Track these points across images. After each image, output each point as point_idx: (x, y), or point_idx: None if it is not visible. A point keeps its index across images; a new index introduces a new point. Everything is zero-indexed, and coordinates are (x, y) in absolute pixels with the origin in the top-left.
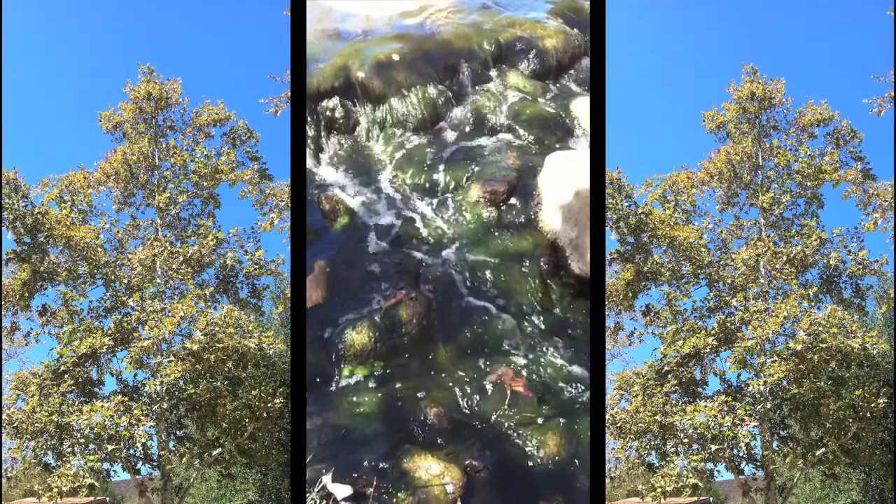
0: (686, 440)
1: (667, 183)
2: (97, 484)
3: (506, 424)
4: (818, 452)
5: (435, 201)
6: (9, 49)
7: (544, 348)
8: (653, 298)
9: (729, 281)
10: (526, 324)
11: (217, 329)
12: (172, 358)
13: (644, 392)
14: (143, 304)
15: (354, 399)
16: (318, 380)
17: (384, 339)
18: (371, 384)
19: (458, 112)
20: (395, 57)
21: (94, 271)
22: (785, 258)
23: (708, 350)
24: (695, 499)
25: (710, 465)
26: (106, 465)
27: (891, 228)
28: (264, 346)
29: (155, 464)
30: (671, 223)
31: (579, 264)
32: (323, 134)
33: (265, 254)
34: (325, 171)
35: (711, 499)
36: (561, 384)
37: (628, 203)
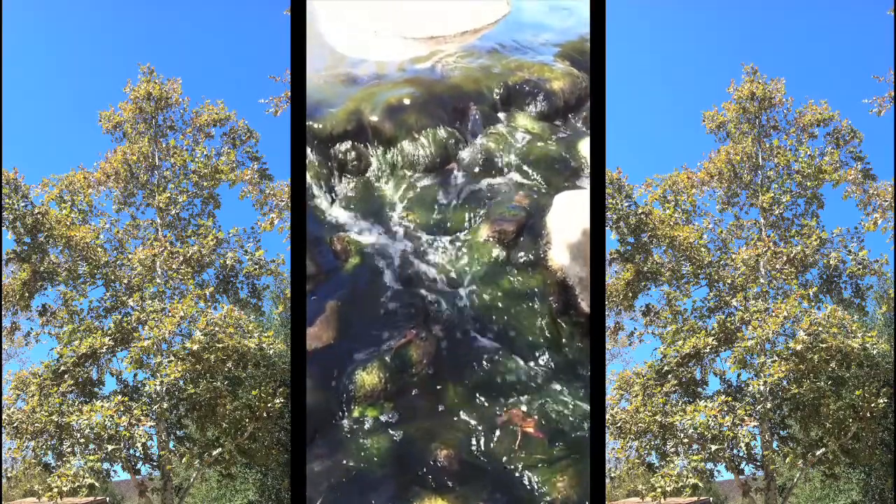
0: (686, 440)
1: (667, 183)
2: (97, 484)
3: (516, 466)
4: (818, 452)
5: (445, 241)
6: (9, 49)
7: (555, 388)
8: (653, 298)
9: (729, 281)
10: (536, 363)
11: (217, 329)
12: (172, 358)
13: (644, 392)
14: (143, 304)
15: (364, 441)
16: (327, 421)
17: (394, 380)
18: (381, 425)
19: (467, 153)
20: (406, 101)
21: (94, 271)
22: (785, 258)
23: (708, 350)
24: (695, 499)
25: (710, 465)
26: (106, 465)
27: (891, 228)
28: (264, 346)
29: (155, 464)
30: (671, 223)
31: (588, 303)
32: (335, 176)
33: (265, 254)
34: (337, 212)
35: (711, 499)
36: (571, 424)
37: (628, 203)
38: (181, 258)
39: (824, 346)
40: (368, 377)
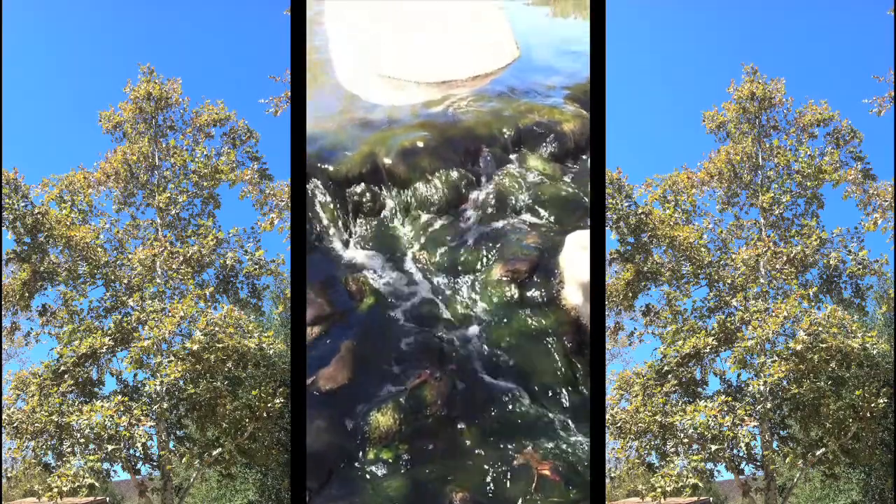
0: (686, 440)
1: (667, 183)
2: (97, 484)
3: None
4: (818, 452)
5: (458, 281)
6: (9, 49)
7: (570, 429)
8: (653, 298)
9: (729, 281)
10: (550, 403)
11: (217, 329)
12: (172, 358)
13: (644, 392)
14: (143, 304)
15: (380, 483)
16: (342, 463)
17: (409, 421)
18: (396, 467)
19: (480, 194)
20: (420, 144)
21: (94, 271)
22: (785, 258)
23: (708, 350)
24: (695, 499)
25: (710, 465)
26: (106, 465)
27: (891, 228)
28: (264, 346)
29: (155, 464)
30: (671, 223)
31: None
32: (350, 217)
33: (265, 254)
34: (353, 252)
35: (711, 499)
36: (588, 466)
37: (628, 203)
38: (181, 258)
39: (824, 346)
40: (383, 418)
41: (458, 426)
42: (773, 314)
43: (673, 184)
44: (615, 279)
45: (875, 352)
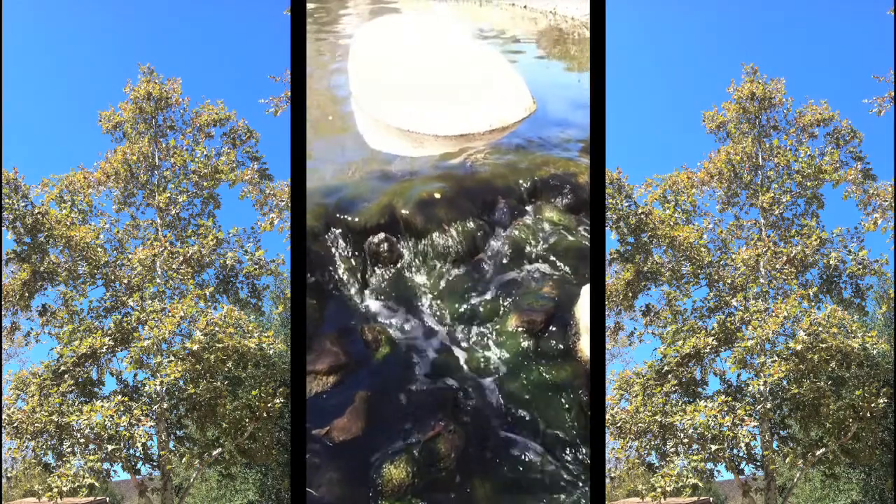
0: (686, 440)
1: (667, 183)
2: (97, 484)
3: None
4: (818, 452)
5: (474, 331)
6: (9, 49)
7: (585, 483)
8: (653, 298)
9: (729, 281)
10: (566, 457)
11: (217, 329)
12: (172, 358)
13: (644, 392)
14: (143, 304)
15: None
16: None
17: (422, 474)
18: None
19: (496, 244)
20: (437, 195)
21: (94, 271)
22: (785, 258)
23: (708, 350)
24: (695, 499)
25: (710, 465)
26: (106, 465)
27: (891, 228)
28: (264, 346)
29: (155, 464)
30: (671, 223)
31: None
32: (368, 266)
33: (265, 254)
34: (369, 302)
35: (711, 499)
36: None
37: (628, 203)
38: (181, 258)
39: (824, 346)
40: (396, 471)
41: (472, 480)
42: (773, 314)
43: (673, 184)
44: (615, 279)
45: (875, 352)
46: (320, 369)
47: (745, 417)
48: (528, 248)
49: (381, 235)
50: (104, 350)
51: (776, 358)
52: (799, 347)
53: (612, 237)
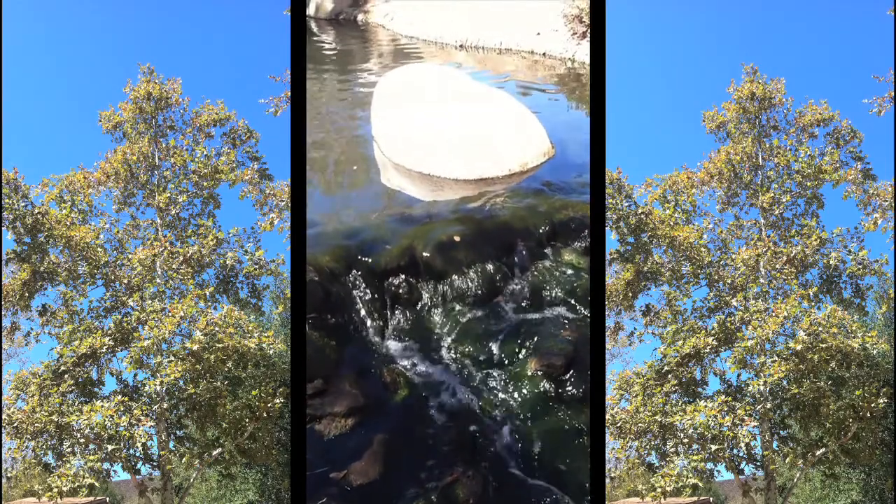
0: (686, 440)
1: (667, 183)
2: (97, 484)
3: None
4: (818, 452)
5: (493, 374)
6: (9, 49)
7: None
8: (653, 298)
9: (729, 281)
10: None
11: (217, 329)
12: (172, 358)
13: (644, 392)
14: (143, 304)
15: None
16: None
17: None
18: None
19: (514, 287)
20: (457, 238)
21: (94, 271)
22: (785, 258)
23: (708, 350)
24: (695, 499)
25: (710, 465)
26: (106, 465)
27: (891, 228)
28: (264, 346)
29: (155, 464)
30: (671, 223)
31: None
32: (388, 308)
33: (265, 254)
34: (388, 343)
35: (711, 499)
36: None
37: (628, 203)
38: (181, 258)
39: (824, 346)
40: None
41: None
42: (773, 314)
43: (673, 184)
44: (615, 279)
45: (875, 352)
46: (338, 411)
47: (745, 417)
48: (547, 292)
49: (401, 277)
50: (104, 350)
51: (776, 358)
52: (799, 347)
53: (612, 237)
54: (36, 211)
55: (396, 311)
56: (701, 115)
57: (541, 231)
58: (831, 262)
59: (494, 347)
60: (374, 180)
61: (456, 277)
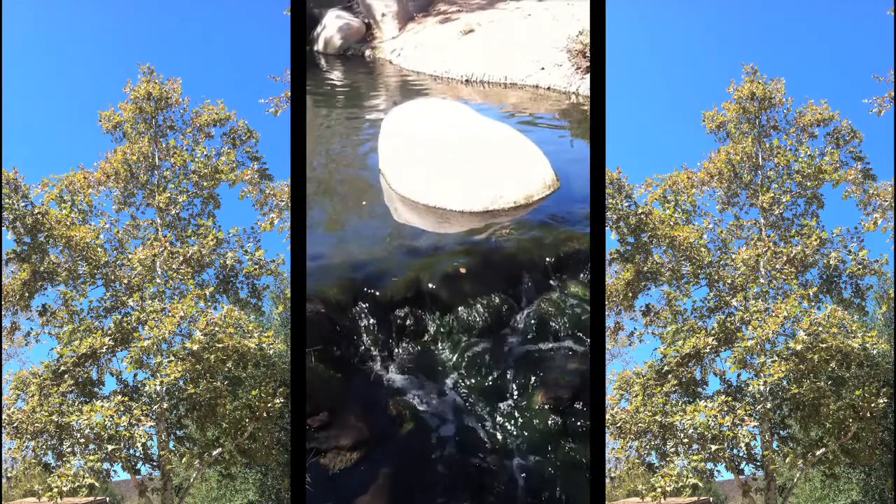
0: (686, 440)
1: (667, 183)
2: (97, 484)
3: None
4: (818, 452)
5: (499, 407)
6: (9, 49)
7: None
8: (653, 298)
9: (729, 281)
10: None
11: (217, 329)
12: (172, 358)
13: (644, 392)
14: (143, 304)
15: None
16: None
17: None
18: None
19: (521, 319)
20: (463, 270)
21: (94, 271)
22: (785, 258)
23: (708, 350)
24: (695, 499)
25: (710, 465)
26: (106, 465)
27: (891, 228)
28: (264, 346)
29: (155, 464)
30: (671, 223)
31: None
32: (394, 340)
33: (265, 254)
34: (394, 376)
35: (711, 499)
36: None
37: (628, 203)
38: (181, 258)
39: (824, 346)
40: None
41: None
42: (773, 314)
43: (673, 184)
44: (615, 279)
45: (875, 352)
46: (344, 444)
47: (745, 417)
48: (553, 323)
49: (407, 309)
50: (104, 350)
51: (776, 358)
52: (799, 347)
53: (612, 237)
54: (36, 211)
55: (402, 344)
56: (701, 115)
57: (547, 262)
58: (831, 262)
59: (501, 380)
60: (381, 213)
61: (462, 309)
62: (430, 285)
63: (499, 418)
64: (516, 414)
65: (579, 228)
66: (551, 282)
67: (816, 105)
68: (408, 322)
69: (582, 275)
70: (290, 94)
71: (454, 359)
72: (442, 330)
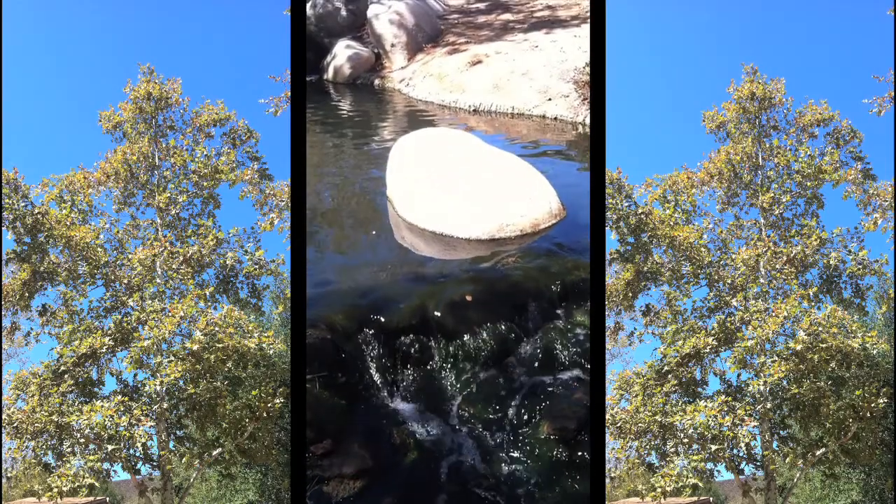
0: (686, 440)
1: (667, 183)
2: (97, 484)
3: None
4: (818, 452)
5: (504, 436)
6: (9, 49)
7: None
8: (653, 298)
9: (729, 281)
10: None
11: (217, 329)
12: (172, 358)
13: (644, 392)
14: (143, 304)
15: None
16: None
17: None
18: None
19: (526, 347)
20: (468, 298)
21: (94, 271)
22: (785, 258)
23: (708, 350)
24: (695, 499)
25: (710, 465)
26: (106, 465)
27: (891, 228)
28: (264, 346)
29: (155, 464)
30: (671, 223)
31: None
32: (398, 367)
33: (265, 254)
34: (399, 404)
35: (711, 499)
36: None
37: (628, 203)
38: (181, 258)
39: (824, 346)
40: None
41: None
42: (773, 314)
43: (673, 184)
44: (615, 279)
45: (875, 352)
46: (347, 473)
47: (745, 417)
48: (559, 353)
49: (413, 336)
50: (104, 350)
51: (776, 358)
52: (799, 347)
53: (612, 237)
54: (36, 211)
55: (407, 371)
56: (701, 115)
57: (553, 291)
58: (831, 262)
59: (506, 409)
60: (388, 240)
61: (467, 337)
62: (436, 312)
63: (503, 448)
64: (521, 444)
65: (585, 257)
66: (557, 311)
67: (816, 105)
68: (413, 349)
69: (588, 304)
70: (290, 94)
71: (459, 387)
72: (448, 358)
